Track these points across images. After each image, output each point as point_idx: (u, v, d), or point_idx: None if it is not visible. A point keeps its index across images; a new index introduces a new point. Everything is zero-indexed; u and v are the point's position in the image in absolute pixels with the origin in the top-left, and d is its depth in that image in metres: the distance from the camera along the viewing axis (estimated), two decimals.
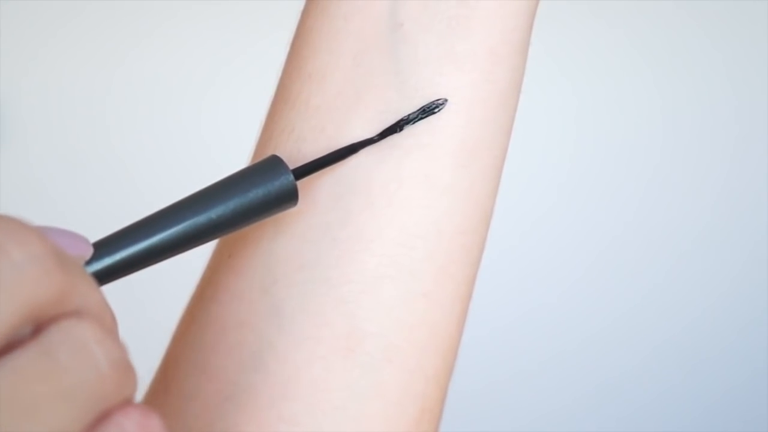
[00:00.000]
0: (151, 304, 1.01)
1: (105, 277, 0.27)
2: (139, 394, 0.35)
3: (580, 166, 1.28)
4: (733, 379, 1.34)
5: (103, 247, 0.28)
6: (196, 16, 1.19)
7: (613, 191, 1.29)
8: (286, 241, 0.32)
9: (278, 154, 0.33)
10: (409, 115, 0.32)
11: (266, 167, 0.30)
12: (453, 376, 1.09)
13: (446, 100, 0.32)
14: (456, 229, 0.33)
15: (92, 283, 0.23)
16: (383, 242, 0.32)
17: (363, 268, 0.32)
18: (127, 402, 0.23)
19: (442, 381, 0.33)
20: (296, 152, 0.33)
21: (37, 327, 0.22)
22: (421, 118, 0.32)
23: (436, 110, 0.32)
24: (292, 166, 0.31)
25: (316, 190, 0.32)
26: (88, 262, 0.27)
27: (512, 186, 1.25)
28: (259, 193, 0.30)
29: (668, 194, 1.30)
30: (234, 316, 0.33)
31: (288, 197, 0.30)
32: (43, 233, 0.23)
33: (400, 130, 0.32)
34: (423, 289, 0.32)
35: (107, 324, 0.23)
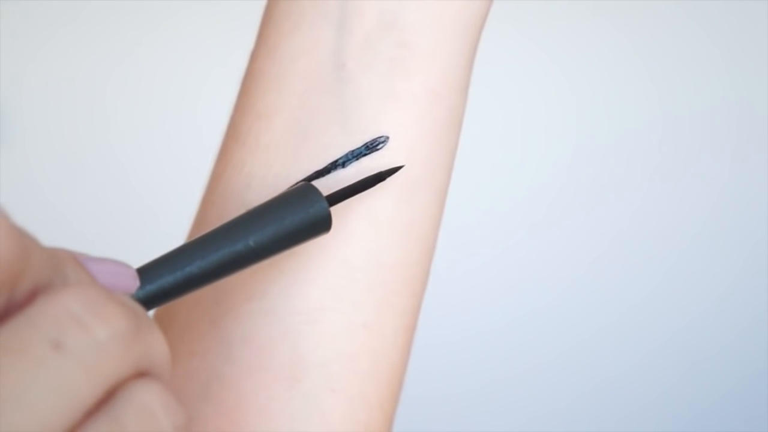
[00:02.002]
0: None
1: (145, 304, 0.28)
2: None
3: (579, 166, 1.28)
4: (733, 379, 1.34)
5: (146, 274, 0.28)
6: (195, 16, 1.19)
7: (613, 191, 1.30)
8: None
9: (231, 189, 0.34)
10: (353, 150, 0.33)
11: (301, 194, 0.31)
12: (453, 376, 1.08)
13: (388, 138, 0.33)
14: (397, 261, 0.34)
15: (160, 339, 0.24)
16: (326, 274, 0.33)
17: (307, 300, 0.33)
18: None
19: (386, 408, 0.34)
20: (246, 187, 0.34)
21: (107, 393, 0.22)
22: (364, 155, 0.33)
23: (379, 147, 0.33)
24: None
25: None
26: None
27: (512, 186, 1.26)
28: (295, 220, 0.30)
29: (667, 194, 1.30)
30: (185, 346, 0.34)
31: (322, 224, 0.31)
32: (91, 273, 0.24)
33: (344, 166, 0.33)
34: (364, 320, 0.33)
35: (168, 369, 0.24)
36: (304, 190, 0.31)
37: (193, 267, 0.28)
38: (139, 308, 0.24)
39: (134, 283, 0.26)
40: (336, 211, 0.33)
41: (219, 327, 0.33)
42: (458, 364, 1.27)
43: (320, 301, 0.33)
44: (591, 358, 1.32)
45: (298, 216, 0.30)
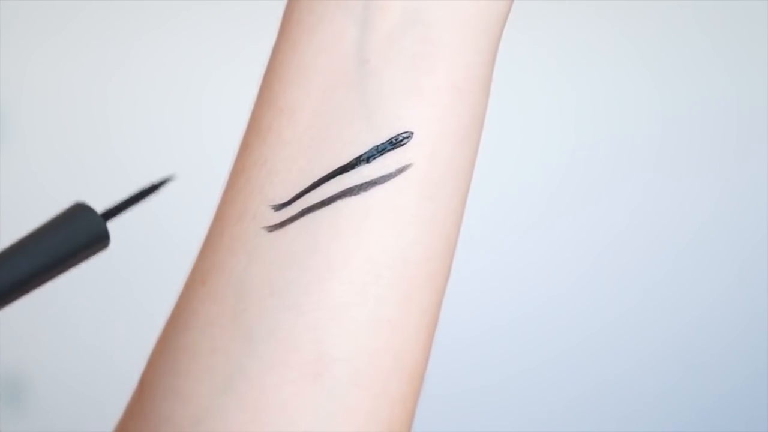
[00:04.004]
0: (149, 305, 1.02)
1: None
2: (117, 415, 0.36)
3: (579, 166, 1.29)
4: (733, 379, 1.35)
5: None
6: (195, 16, 1.19)
7: (612, 191, 1.30)
8: (257, 269, 0.33)
9: (252, 185, 0.34)
10: (379, 145, 0.33)
11: (73, 214, 0.31)
12: (452, 376, 1.09)
13: (412, 134, 0.33)
14: (421, 257, 0.34)
15: None
16: (350, 271, 0.33)
17: (330, 296, 0.33)
18: None
19: (408, 404, 0.34)
20: (269, 183, 0.34)
21: None
22: (389, 150, 0.33)
23: (403, 142, 0.33)
24: (268, 201, 0.33)
25: (286, 218, 0.34)
26: None
27: (512, 185, 1.26)
28: (70, 240, 0.30)
29: (667, 194, 1.30)
30: (206, 342, 0.34)
31: (101, 240, 0.31)
32: None
33: (369, 161, 0.33)
34: (388, 315, 0.33)
35: None
36: (77, 208, 0.31)
37: None
38: None
39: None
40: (359, 208, 0.33)
41: (241, 323, 0.33)
42: (457, 364, 1.27)
43: (344, 296, 0.33)
44: (591, 359, 1.32)
45: (74, 235, 0.30)
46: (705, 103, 1.29)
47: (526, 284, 1.30)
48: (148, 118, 1.20)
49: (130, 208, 0.32)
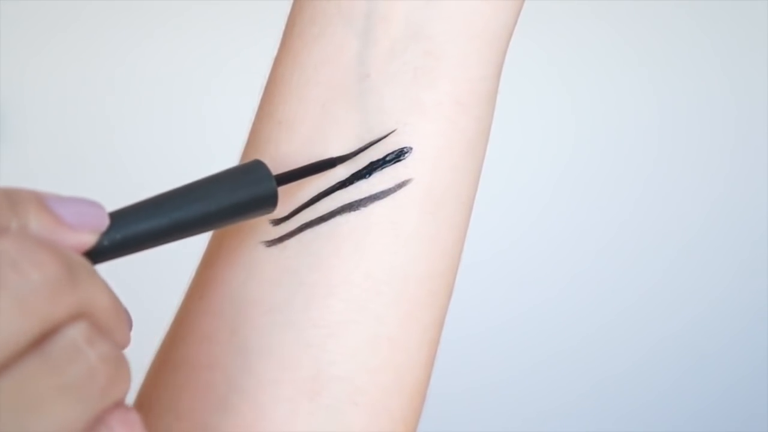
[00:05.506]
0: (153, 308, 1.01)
1: (109, 250, 0.27)
2: None
3: (578, 165, 1.28)
4: (733, 379, 1.34)
5: (116, 219, 0.28)
6: (196, 16, 1.19)
7: (612, 190, 1.30)
8: (255, 284, 0.33)
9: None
10: (376, 161, 0.33)
11: (247, 168, 0.31)
12: (451, 375, 1.08)
13: (411, 149, 0.33)
14: (422, 274, 0.33)
15: (99, 288, 0.24)
16: (349, 287, 0.32)
17: (329, 313, 0.32)
18: (117, 404, 0.24)
19: (409, 422, 0.34)
20: None
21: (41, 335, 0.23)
22: (388, 165, 0.33)
23: (402, 158, 0.33)
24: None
25: (285, 233, 0.33)
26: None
27: (511, 185, 1.26)
28: (244, 195, 0.30)
29: (667, 192, 1.30)
30: (204, 357, 0.33)
31: (268, 203, 0.31)
32: (55, 224, 0.24)
33: (368, 176, 0.33)
34: (388, 333, 0.33)
35: (110, 321, 0.24)
36: (253, 165, 0.31)
37: (161, 221, 0.28)
38: (78, 259, 0.24)
39: (103, 222, 0.27)
40: (359, 224, 0.32)
41: (239, 339, 0.33)
42: (455, 364, 1.26)
43: (343, 313, 0.32)
44: (589, 358, 1.32)
45: (247, 192, 0.30)
46: (703, 103, 1.28)
47: (522, 284, 1.30)
48: (149, 118, 1.20)
49: (302, 178, 0.32)
